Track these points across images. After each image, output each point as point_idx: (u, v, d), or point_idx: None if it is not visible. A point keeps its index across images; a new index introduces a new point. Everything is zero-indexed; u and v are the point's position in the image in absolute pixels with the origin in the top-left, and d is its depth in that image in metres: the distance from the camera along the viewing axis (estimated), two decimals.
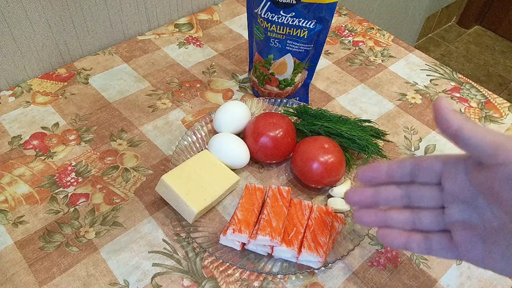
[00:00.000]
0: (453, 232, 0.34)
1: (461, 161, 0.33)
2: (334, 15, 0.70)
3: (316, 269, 0.47)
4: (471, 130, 0.30)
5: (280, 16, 0.57)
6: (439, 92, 0.72)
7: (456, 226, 0.33)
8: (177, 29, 0.81)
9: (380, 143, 0.61)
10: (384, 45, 0.80)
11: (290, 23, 0.57)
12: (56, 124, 0.62)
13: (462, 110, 0.69)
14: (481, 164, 0.31)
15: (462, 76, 0.75)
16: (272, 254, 0.48)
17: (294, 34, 0.58)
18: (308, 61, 0.63)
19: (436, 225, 0.35)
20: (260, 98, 0.64)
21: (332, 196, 0.55)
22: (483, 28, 2.37)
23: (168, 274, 0.47)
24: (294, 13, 0.56)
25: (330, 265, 0.48)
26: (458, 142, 0.31)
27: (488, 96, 0.72)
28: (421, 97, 0.70)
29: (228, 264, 0.47)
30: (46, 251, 0.49)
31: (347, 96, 0.70)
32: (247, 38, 0.80)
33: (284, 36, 0.59)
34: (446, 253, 0.34)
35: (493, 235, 0.31)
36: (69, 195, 0.54)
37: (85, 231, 0.50)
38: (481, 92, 0.72)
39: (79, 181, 0.55)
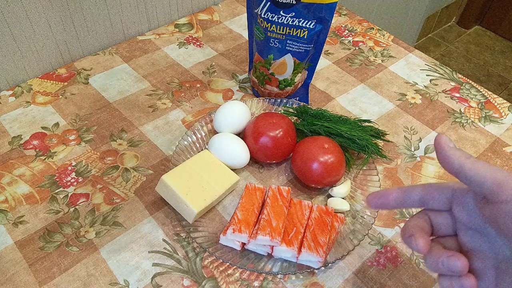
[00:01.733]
0: (468, 258, 0.34)
1: (470, 191, 0.33)
2: (334, 15, 0.70)
3: (316, 269, 0.47)
4: (472, 168, 0.31)
5: (280, 16, 0.57)
6: (439, 92, 0.72)
7: (470, 256, 0.34)
8: (177, 29, 0.81)
9: (380, 143, 0.61)
10: (384, 45, 0.80)
11: (290, 23, 0.57)
12: (56, 124, 0.62)
13: (462, 110, 0.69)
14: (486, 198, 0.31)
15: (462, 76, 0.75)
16: (272, 254, 0.48)
17: (294, 34, 0.58)
18: (308, 61, 0.63)
19: (457, 248, 0.35)
20: (260, 98, 0.64)
21: (332, 196, 0.55)
22: (483, 28, 2.37)
23: (168, 274, 0.47)
24: (294, 13, 0.56)
25: (330, 265, 0.48)
26: (461, 179, 0.31)
27: (488, 96, 0.72)
28: (421, 97, 0.70)
29: (228, 264, 0.48)
30: (46, 251, 0.49)
31: (347, 96, 0.70)
32: (247, 38, 0.80)
33: (284, 36, 0.59)
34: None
35: (505, 264, 0.32)
36: (69, 195, 0.54)
37: (85, 231, 0.50)
38: (481, 92, 0.72)
39: (79, 181, 0.55)
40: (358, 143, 0.56)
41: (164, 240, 0.50)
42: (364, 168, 0.57)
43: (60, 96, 0.67)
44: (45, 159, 0.58)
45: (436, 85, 0.73)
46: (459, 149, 0.32)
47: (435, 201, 0.35)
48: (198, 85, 0.70)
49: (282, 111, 0.63)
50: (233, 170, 0.55)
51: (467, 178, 0.31)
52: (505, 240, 0.32)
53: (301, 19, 0.57)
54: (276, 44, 0.60)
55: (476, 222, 0.33)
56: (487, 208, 0.31)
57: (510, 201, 0.29)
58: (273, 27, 0.58)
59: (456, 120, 0.67)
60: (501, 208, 0.30)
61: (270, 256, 0.48)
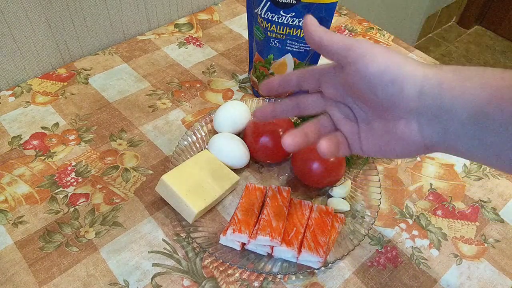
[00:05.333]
0: (340, 129, 0.39)
1: (333, 68, 0.38)
2: (334, 15, 0.70)
3: (316, 269, 0.47)
4: (329, 39, 0.34)
5: (280, 16, 0.57)
6: None
7: (340, 124, 0.39)
8: (177, 29, 0.81)
9: None
10: (384, 45, 0.80)
11: (290, 23, 0.57)
12: (56, 124, 0.62)
13: None
14: (342, 67, 0.35)
15: None
16: (272, 254, 0.48)
17: (294, 34, 0.58)
18: (308, 61, 0.63)
19: (330, 128, 0.40)
20: (260, 98, 0.64)
21: (332, 196, 0.55)
22: (483, 28, 2.37)
23: (168, 274, 0.47)
24: (294, 13, 0.56)
25: (330, 265, 0.48)
26: (322, 51, 0.35)
27: None
28: None
29: (228, 264, 0.47)
30: (46, 251, 0.49)
31: None
32: (247, 38, 0.80)
33: (284, 36, 0.59)
34: (345, 150, 0.39)
35: (363, 124, 0.37)
36: (69, 195, 0.54)
37: (85, 231, 0.50)
38: None
39: (79, 181, 0.55)
40: None
41: (164, 240, 0.50)
42: (364, 168, 0.57)
43: (60, 96, 0.67)
44: (45, 159, 0.58)
45: None
46: (322, 27, 0.35)
47: (307, 82, 0.40)
48: (198, 85, 0.70)
49: None
50: (233, 170, 0.55)
51: (325, 48, 0.35)
52: (359, 105, 0.36)
53: (301, 19, 0.57)
54: (276, 44, 0.60)
55: (339, 94, 0.38)
56: (342, 76, 0.35)
57: (356, 61, 0.33)
58: (273, 27, 0.58)
59: None
60: (350, 69, 0.33)
61: (270, 256, 0.48)
